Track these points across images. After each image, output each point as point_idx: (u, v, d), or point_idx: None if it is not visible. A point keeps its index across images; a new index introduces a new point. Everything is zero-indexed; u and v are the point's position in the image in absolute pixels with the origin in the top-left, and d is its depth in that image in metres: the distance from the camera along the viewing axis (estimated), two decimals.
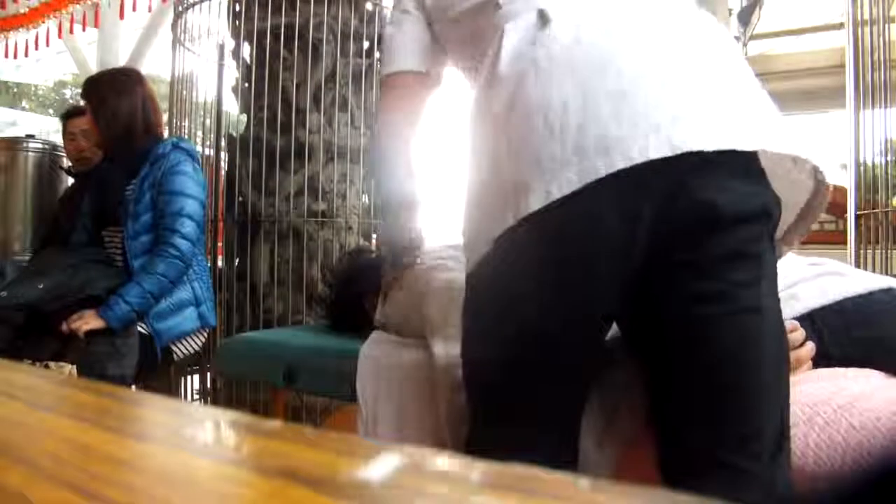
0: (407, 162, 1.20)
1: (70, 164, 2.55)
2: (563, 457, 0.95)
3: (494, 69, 0.92)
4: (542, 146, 0.82)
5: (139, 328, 1.94)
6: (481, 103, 0.95)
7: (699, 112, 0.83)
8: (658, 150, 0.79)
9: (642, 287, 0.87)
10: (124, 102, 2.07)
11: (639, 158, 0.78)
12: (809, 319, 1.12)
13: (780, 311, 0.91)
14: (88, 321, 1.83)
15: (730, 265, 0.85)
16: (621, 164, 0.78)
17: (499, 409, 0.96)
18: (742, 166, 0.86)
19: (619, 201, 0.82)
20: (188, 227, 2.00)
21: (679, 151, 0.79)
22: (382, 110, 1.23)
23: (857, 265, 2.59)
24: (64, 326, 1.83)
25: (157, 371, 2.09)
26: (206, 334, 2.21)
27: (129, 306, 1.87)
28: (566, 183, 0.80)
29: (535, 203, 0.81)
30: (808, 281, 1.19)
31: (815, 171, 0.92)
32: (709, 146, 0.80)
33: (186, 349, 2.11)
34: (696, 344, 0.87)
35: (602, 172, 0.79)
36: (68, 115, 2.52)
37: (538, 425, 0.94)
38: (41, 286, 1.88)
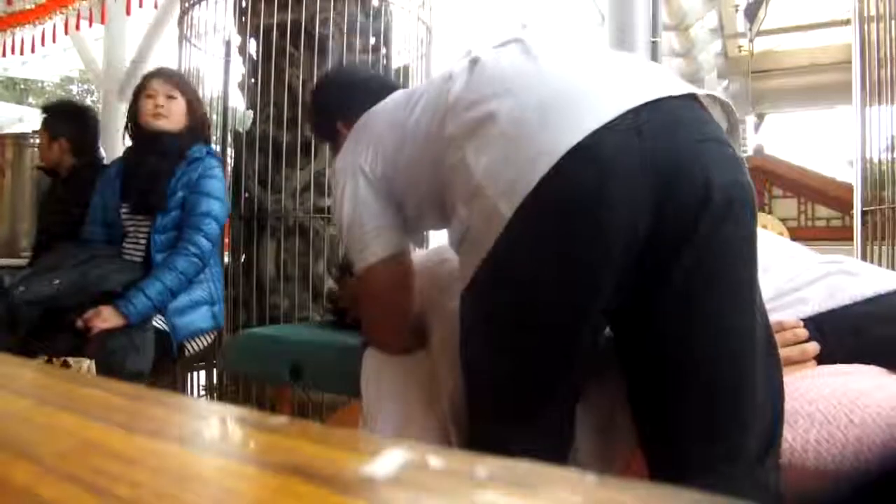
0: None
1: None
2: (558, 452, 0.95)
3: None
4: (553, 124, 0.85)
5: (155, 323, 1.95)
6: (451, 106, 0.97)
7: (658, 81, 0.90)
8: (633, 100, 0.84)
9: (635, 276, 0.86)
10: (201, 102, 2.30)
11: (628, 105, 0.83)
12: (815, 323, 1.11)
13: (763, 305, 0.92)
14: (107, 319, 1.84)
15: (728, 248, 0.87)
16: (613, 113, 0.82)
17: (495, 406, 0.97)
18: (726, 138, 0.89)
19: (623, 176, 0.82)
20: (213, 228, 2.06)
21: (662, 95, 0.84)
22: (374, 304, 1.21)
23: (864, 261, 2.58)
24: (79, 323, 1.84)
25: (166, 367, 2.11)
26: (214, 333, 2.22)
27: (150, 301, 1.89)
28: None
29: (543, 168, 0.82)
30: (817, 281, 1.18)
31: (725, 107, 0.97)
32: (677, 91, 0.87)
33: (197, 346, 2.13)
34: (694, 336, 0.87)
35: (608, 117, 0.82)
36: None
37: (533, 420, 0.94)
38: (56, 282, 1.89)
